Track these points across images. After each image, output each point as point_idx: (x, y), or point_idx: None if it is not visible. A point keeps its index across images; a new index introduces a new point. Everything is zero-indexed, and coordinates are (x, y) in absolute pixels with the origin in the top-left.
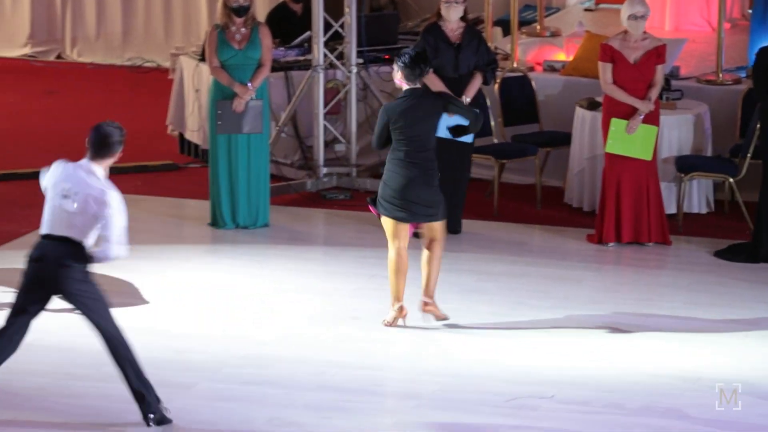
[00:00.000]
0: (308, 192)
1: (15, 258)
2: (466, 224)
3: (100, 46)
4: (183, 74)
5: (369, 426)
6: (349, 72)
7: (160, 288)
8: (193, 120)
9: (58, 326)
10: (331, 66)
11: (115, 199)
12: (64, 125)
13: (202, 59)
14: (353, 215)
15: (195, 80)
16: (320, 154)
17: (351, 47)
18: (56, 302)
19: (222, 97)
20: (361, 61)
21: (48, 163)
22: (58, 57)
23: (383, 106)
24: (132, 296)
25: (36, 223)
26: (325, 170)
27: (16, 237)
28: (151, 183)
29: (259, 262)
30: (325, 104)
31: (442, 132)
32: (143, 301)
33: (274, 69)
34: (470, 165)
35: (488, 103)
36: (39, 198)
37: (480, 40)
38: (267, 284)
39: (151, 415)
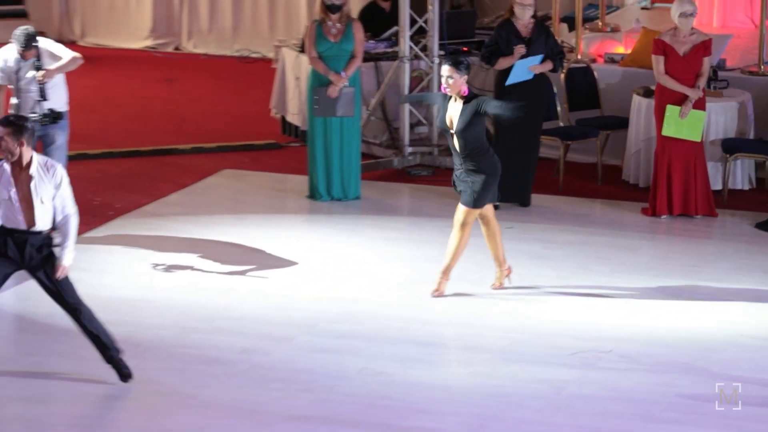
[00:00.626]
0: (395, 168)
1: (138, 225)
2: (535, 198)
3: (212, 39)
4: (285, 64)
5: (447, 376)
6: (432, 62)
7: (264, 253)
8: (294, 104)
9: (176, 286)
10: (416, 57)
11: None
12: (181, 108)
13: (302, 51)
14: (435, 189)
15: (295, 69)
16: (405, 135)
17: (433, 40)
18: (176, 259)
19: (319, 84)
20: (442, 52)
21: (166, 141)
22: (176, 48)
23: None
24: (238, 261)
25: (156, 195)
26: (409, 149)
27: (138, 206)
28: (256, 160)
29: (351, 231)
30: (410, 91)
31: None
32: (249, 265)
33: (365, 59)
34: (539, 145)
35: (555, 90)
36: (159, 172)
37: (548, 33)
38: (358, 250)
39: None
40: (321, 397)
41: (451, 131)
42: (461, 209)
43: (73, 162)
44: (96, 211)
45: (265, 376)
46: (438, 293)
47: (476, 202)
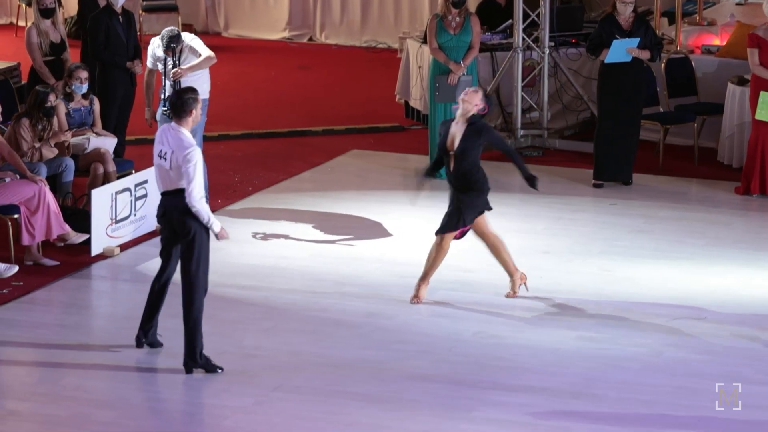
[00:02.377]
0: None
1: (274, 200)
2: (637, 177)
3: (343, 31)
4: (409, 54)
5: (556, 337)
6: (543, 53)
7: (388, 225)
8: (416, 90)
9: (307, 255)
10: (528, 48)
11: (198, 162)
12: (313, 94)
13: (424, 42)
14: (544, 168)
15: (418, 58)
16: (518, 119)
17: (545, 33)
18: (308, 232)
19: (439, 72)
20: (552, 44)
21: (300, 123)
22: (310, 39)
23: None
24: (364, 233)
25: (291, 172)
26: (521, 132)
27: (274, 183)
28: (381, 141)
29: None
30: (523, 78)
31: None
32: (374, 236)
33: (481, 50)
34: (639, 129)
35: (656, 77)
36: (293, 152)
37: (647, 26)
38: None
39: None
40: (439, 357)
41: (451, 152)
42: (442, 234)
43: (216, 142)
44: (236, 186)
45: (388, 338)
46: (417, 300)
47: (457, 225)
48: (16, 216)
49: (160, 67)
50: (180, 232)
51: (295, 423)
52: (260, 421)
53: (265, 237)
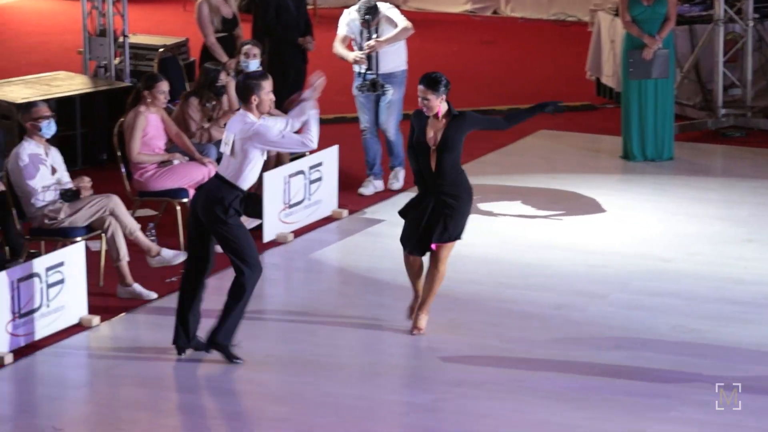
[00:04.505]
0: (708, 130)
1: None
2: None
3: (529, 3)
4: (600, 27)
5: (761, 335)
6: (746, 25)
7: (577, 211)
8: (608, 66)
9: (491, 242)
10: (730, 20)
11: (263, 125)
12: (498, 70)
13: (617, 14)
14: (749, 150)
15: (610, 32)
16: (719, 97)
17: (749, 3)
18: (492, 216)
19: (633, 47)
20: (757, 15)
21: (483, 102)
22: (494, 12)
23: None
24: (551, 218)
25: (474, 155)
26: (723, 111)
27: None
28: (571, 120)
29: (663, 190)
30: (724, 53)
31: None
32: (562, 222)
33: (678, 23)
34: None
35: None
36: (476, 132)
37: None
38: (670, 209)
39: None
40: (634, 353)
41: (432, 147)
42: (443, 247)
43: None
44: None
45: (578, 332)
46: (419, 331)
47: (454, 235)
48: (185, 200)
49: (356, 38)
50: (205, 221)
51: (479, 421)
52: (441, 418)
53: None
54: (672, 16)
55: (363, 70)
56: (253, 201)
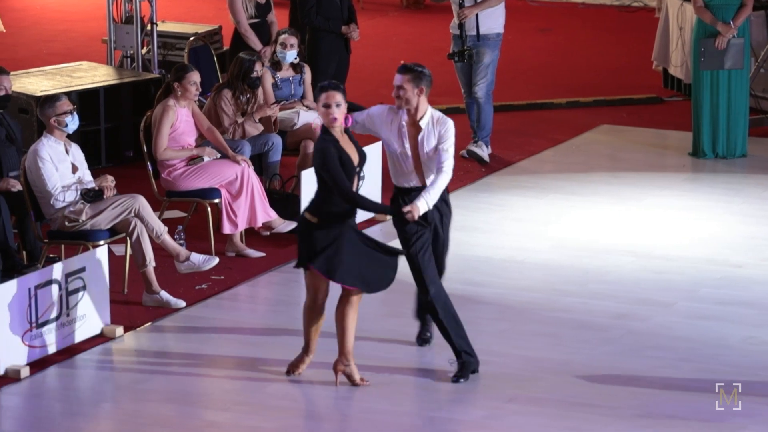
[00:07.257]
0: None
1: (511, 182)
2: None
3: None
4: (668, 13)
5: None
6: None
7: (642, 213)
8: (677, 56)
9: (546, 247)
10: None
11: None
12: (556, 60)
13: None
14: None
15: (679, 18)
16: None
17: None
18: (547, 218)
19: (705, 35)
20: None
21: (539, 95)
22: None
23: None
24: (613, 221)
25: (530, 151)
26: None
27: (511, 163)
28: (636, 114)
29: (735, 191)
30: None
31: None
32: (625, 225)
33: (755, 8)
34: None
35: None
36: (532, 127)
37: None
38: (742, 210)
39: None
40: (702, 366)
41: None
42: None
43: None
44: (467, 167)
45: (640, 344)
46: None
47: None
48: (216, 201)
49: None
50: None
51: None
52: None
53: (500, 225)
54: (748, 1)
55: (458, 32)
56: (289, 202)
